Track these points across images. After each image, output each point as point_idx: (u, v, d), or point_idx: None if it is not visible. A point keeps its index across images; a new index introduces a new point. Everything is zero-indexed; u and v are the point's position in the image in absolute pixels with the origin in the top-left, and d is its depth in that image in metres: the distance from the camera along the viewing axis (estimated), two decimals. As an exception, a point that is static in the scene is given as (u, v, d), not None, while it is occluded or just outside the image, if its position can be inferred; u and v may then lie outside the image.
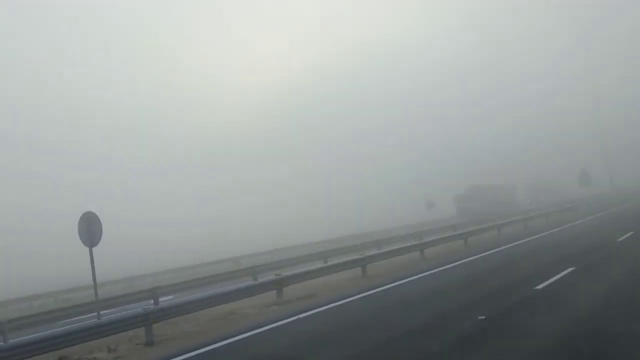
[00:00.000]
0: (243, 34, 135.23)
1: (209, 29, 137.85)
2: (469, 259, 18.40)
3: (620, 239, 18.28)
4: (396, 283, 14.64)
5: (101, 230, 13.97)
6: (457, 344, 7.76)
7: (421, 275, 15.71)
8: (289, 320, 11.18)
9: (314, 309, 12.10)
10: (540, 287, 11.23)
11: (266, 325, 10.81)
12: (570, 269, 12.96)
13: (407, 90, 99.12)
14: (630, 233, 19.30)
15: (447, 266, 17.07)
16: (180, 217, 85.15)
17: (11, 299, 25.75)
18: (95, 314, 14.41)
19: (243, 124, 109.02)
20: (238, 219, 79.76)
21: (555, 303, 9.83)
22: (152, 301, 16.30)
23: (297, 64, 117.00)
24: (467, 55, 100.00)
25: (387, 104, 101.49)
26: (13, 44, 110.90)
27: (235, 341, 9.83)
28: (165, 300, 16.30)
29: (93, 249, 14.01)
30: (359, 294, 13.53)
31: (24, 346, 9.28)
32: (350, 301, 12.76)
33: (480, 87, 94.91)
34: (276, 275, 14.75)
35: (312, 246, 35.35)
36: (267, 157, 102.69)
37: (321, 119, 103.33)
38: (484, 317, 8.93)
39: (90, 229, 13.87)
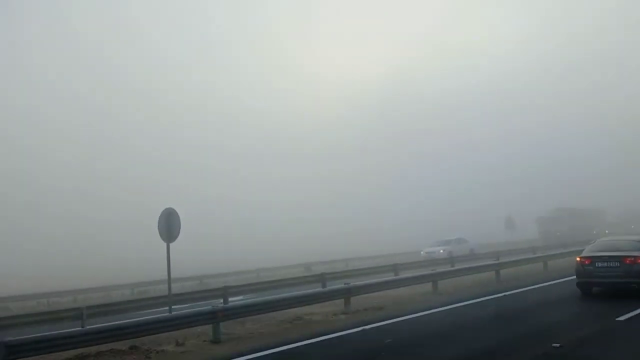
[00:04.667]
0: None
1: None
2: (548, 283, 17.47)
3: None
4: (468, 302, 14.10)
5: (179, 227, 14.18)
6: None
7: (494, 296, 15.05)
8: (355, 330, 11.07)
9: (381, 321, 11.92)
10: (622, 318, 10.44)
11: (332, 333, 10.77)
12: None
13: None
14: None
15: (523, 289, 16.28)
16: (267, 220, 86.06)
17: (92, 287, 27.27)
18: (167, 307, 14.84)
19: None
20: (328, 226, 79.35)
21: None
22: (221, 300, 16.63)
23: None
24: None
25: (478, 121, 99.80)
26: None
27: (300, 346, 9.85)
28: (234, 300, 16.58)
29: (171, 245, 14.34)
30: (427, 309, 13.16)
31: (99, 332, 9.77)
32: (419, 317, 12.44)
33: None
34: (345, 284, 14.65)
35: (386, 258, 35.11)
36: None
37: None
38: (558, 345, 8.38)
39: (169, 225, 14.13)
